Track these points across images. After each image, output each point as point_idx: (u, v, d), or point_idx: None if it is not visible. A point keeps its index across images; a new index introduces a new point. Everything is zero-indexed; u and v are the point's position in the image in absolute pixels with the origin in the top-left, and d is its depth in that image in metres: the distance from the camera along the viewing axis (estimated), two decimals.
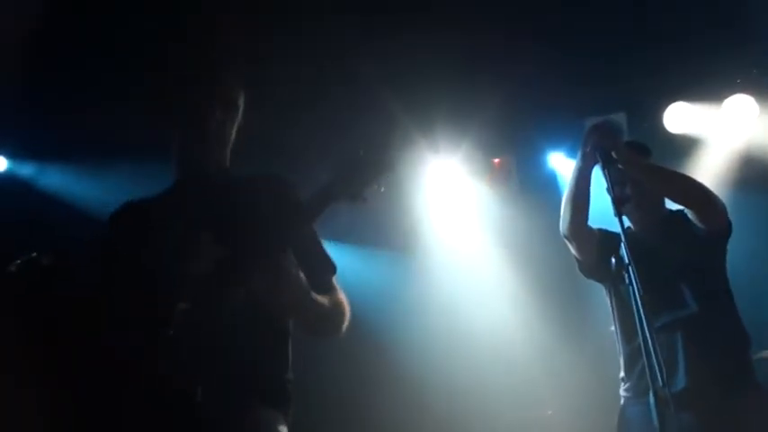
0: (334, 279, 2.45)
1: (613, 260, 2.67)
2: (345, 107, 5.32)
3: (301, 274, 2.23)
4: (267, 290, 2.15)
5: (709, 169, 5.46)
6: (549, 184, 5.85)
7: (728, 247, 3.28)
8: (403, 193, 5.96)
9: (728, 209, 3.25)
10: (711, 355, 3.06)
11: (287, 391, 2.36)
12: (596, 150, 3.01)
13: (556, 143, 5.91)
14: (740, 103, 5.41)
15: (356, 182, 2.23)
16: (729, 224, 3.21)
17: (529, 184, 5.98)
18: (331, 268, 2.45)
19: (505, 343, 5.46)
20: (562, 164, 5.78)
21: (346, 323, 2.42)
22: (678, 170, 4.92)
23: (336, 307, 2.39)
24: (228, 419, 2.17)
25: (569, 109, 5.66)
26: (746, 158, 5.42)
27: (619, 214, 2.69)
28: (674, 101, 5.57)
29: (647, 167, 3.24)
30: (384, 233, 5.81)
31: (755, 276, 4.32)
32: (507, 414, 5.31)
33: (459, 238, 6.00)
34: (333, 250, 2.47)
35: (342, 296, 2.44)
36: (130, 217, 2.46)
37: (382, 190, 2.29)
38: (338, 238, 5.90)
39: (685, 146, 5.62)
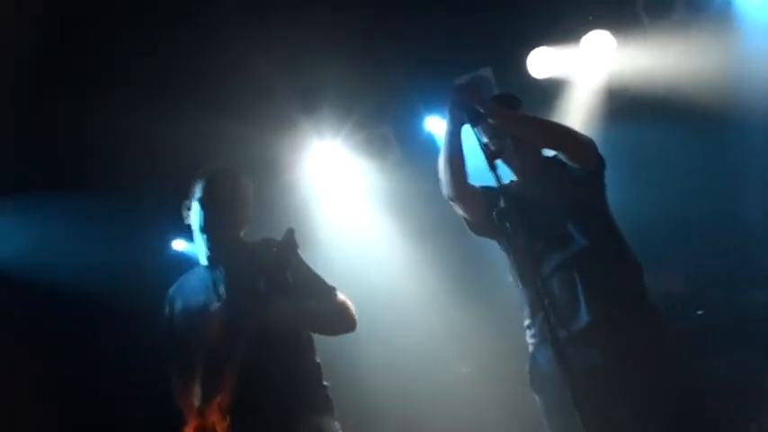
0: (336, 294, 3.30)
1: (494, 213, 2.69)
2: (226, 90, 5.20)
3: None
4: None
5: (578, 108, 5.60)
6: (429, 148, 5.86)
7: (607, 180, 3.36)
8: (289, 179, 5.90)
9: (601, 143, 3.33)
10: (607, 286, 3.13)
11: (326, 395, 3.22)
12: (461, 109, 3.02)
13: (430, 107, 5.91)
14: (597, 40, 5.53)
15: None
16: (601, 159, 3.29)
17: (410, 151, 5.98)
18: (329, 286, 3.32)
19: (411, 311, 5.49)
20: (439, 126, 5.80)
21: (352, 317, 3.30)
22: (547, 115, 5.12)
23: (340, 308, 3.28)
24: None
25: (438, 71, 5.68)
26: (611, 92, 5.55)
27: (492, 168, 2.70)
28: (535, 47, 5.65)
29: (511, 119, 3.27)
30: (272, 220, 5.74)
31: (635, 203, 4.45)
32: (423, 377, 5.35)
33: (349, 215, 5.96)
34: None
35: (343, 299, 3.31)
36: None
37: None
38: None
39: (553, 89, 5.73)
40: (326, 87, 5.37)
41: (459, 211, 3.32)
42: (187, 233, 5.72)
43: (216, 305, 3.20)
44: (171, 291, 3.41)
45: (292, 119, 5.55)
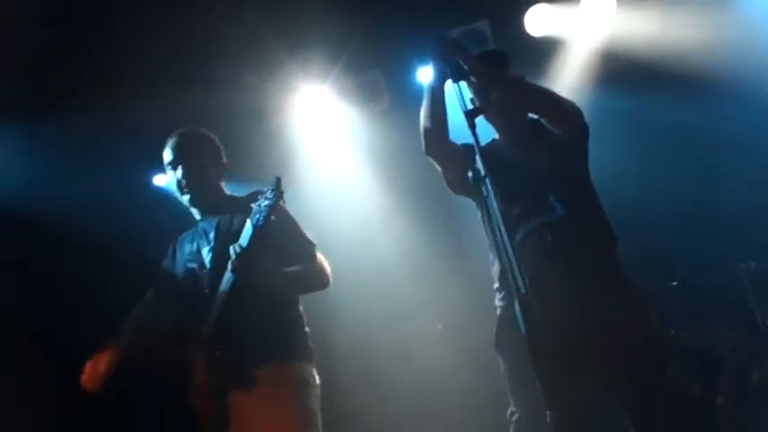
0: (315, 251, 3.39)
1: (470, 174, 2.64)
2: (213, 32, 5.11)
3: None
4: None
5: (573, 69, 5.52)
6: (419, 99, 5.77)
7: (593, 146, 3.31)
8: (275, 123, 5.83)
9: (591, 107, 3.28)
10: (581, 254, 3.11)
11: (304, 344, 3.35)
12: (444, 63, 2.95)
13: (423, 57, 5.80)
14: (597, 0, 5.43)
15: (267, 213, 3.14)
16: (585, 127, 3.23)
17: (399, 100, 5.90)
18: (309, 246, 3.39)
19: (385, 263, 5.48)
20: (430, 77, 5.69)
21: (327, 279, 3.41)
22: (541, 74, 5.04)
23: (316, 272, 3.38)
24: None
25: (434, 21, 5.56)
26: (607, 55, 5.46)
27: (471, 126, 2.65)
28: (534, 3, 5.54)
29: (493, 79, 3.20)
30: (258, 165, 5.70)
31: (620, 172, 4.42)
32: (396, 332, 5.37)
33: (334, 163, 5.91)
34: None
35: (321, 260, 3.40)
36: None
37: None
38: None
39: (549, 48, 5.63)
40: (315, 30, 5.26)
41: (438, 166, 3.28)
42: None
43: (206, 249, 3.42)
44: (180, 236, 3.61)
45: (280, 61, 5.45)
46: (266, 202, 3.13)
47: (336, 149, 6.00)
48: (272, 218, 3.12)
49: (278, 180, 3.16)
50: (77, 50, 4.86)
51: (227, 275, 3.20)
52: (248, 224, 3.15)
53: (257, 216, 3.13)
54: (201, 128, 3.62)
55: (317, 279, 3.39)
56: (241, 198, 3.45)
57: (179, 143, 3.52)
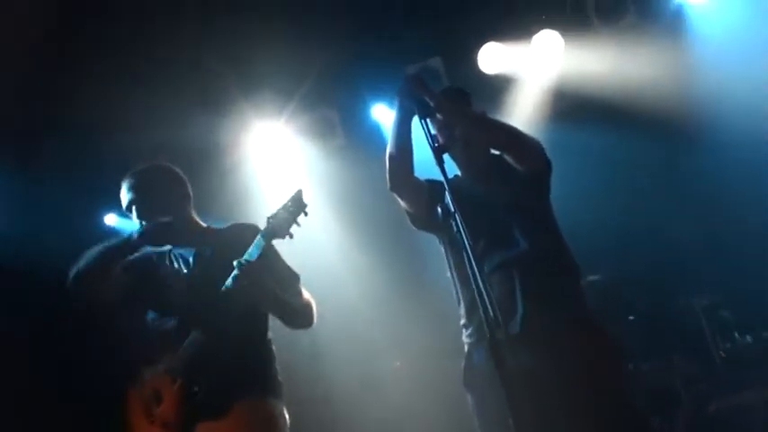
0: (301, 285, 3.36)
1: (439, 209, 2.62)
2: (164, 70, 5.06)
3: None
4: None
5: (526, 106, 5.59)
6: (374, 135, 5.78)
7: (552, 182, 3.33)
8: (229, 161, 5.78)
9: (545, 143, 3.30)
10: (546, 289, 3.11)
11: (275, 379, 3.25)
12: (410, 100, 2.95)
13: (378, 94, 5.84)
14: (547, 39, 5.53)
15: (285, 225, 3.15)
16: (547, 162, 3.24)
17: (354, 137, 5.90)
18: (296, 278, 3.36)
19: (345, 302, 5.42)
20: (385, 115, 5.72)
21: (315, 317, 3.39)
22: (495, 111, 5.09)
23: (306, 305, 3.36)
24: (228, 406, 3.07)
25: (388, 58, 5.60)
26: (559, 92, 5.55)
27: (440, 162, 2.63)
28: (486, 41, 5.62)
29: (458, 115, 3.19)
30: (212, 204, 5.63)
31: (578, 204, 4.46)
32: (354, 370, 5.31)
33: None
34: None
35: (308, 297, 3.39)
36: None
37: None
38: None
39: (502, 85, 5.71)
40: (269, 68, 5.25)
41: (402, 202, 3.25)
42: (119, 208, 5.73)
43: (184, 272, 3.29)
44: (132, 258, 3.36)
45: (233, 99, 5.42)
46: (286, 215, 3.07)
47: (291, 186, 5.94)
48: (291, 232, 3.10)
49: (300, 192, 3.14)
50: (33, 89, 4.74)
51: (228, 283, 3.06)
52: (259, 237, 3.08)
53: (273, 228, 3.06)
54: (160, 161, 3.51)
55: (308, 314, 3.36)
56: (221, 229, 3.37)
57: (134, 181, 3.37)
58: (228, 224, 3.43)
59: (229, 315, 3.08)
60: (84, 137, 5.03)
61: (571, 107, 5.49)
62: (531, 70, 5.67)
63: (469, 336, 3.20)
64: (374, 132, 5.79)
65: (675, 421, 4.42)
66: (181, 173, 3.48)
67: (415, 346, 5.34)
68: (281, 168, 5.95)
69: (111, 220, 5.98)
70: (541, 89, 5.63)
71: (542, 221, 3.25)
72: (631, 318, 4.97)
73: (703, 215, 5.06)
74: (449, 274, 3.32)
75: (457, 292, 3.25)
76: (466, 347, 3.23)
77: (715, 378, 4.57)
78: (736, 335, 4.64)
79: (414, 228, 3.35)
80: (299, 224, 3.18)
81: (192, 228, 3.38)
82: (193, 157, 5.32)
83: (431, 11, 5.44)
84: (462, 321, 3.24)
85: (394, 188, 3.17)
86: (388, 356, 5.59)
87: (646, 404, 4.52)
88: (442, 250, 3.31)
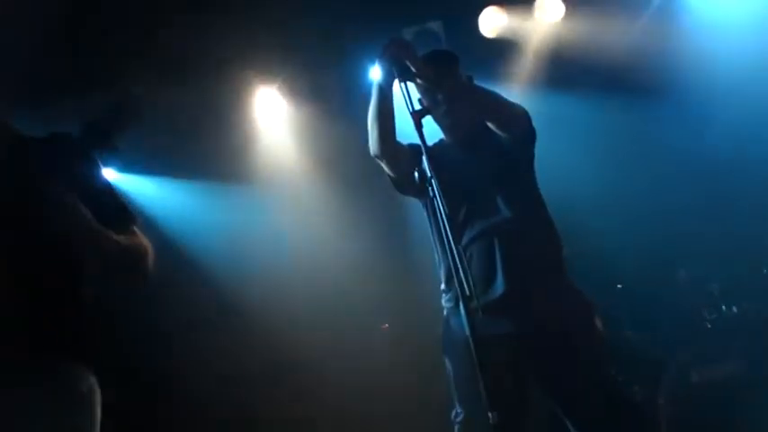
0: (135, 227, 2.41)
1: (416, 174, 2.63)
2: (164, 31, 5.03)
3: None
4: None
5: (522, 71, 5.56)
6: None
7: (538, 149, 3.32)
8: (228, 123, 5.78)
9: (538, 109, 3.29)
10: (526, 259, 3.13)
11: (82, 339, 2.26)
12: (392, 65, 2.94)
13: (376, 56, 5.78)
14: (548, 4, 5.49)
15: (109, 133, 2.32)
16: (532, 131, 3.24)
17: (351, 100, 5.87)
18: (131, 217, 2.43)
19: (333, 263, 5.47)
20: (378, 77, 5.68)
21: (149, 264, 2.37)
22: (492, 75, 5.06)
23: (135, 247, 2.33)
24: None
25: (387, 21, 5.56)
26: (555, 59, 5.52)
27: (418, 126, 2.63)
28: (488, 5, 5.58)
29: (439, 83, 3.15)
30: (211, 165, 5.68)
31: (565, 175, 4.46)
32: (344, 333, 5.36)
33: (286, 164, 5.88)
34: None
35: (142, 239, 2.39)
36: None
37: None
38: (169, 174, 5.72)
39: (501, 49, 5.67)
40: (268, 28, 5.21)
41: (385, 167, 3.26)
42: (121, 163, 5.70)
43: None
44: None
45: (232, 61, 5.40)
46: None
47: (287, 149, 5.96)
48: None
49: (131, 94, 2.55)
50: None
51: None
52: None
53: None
54: None
55: (141, 262, 2.34)
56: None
57: None
58: None
59: None
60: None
61: (568, 75, 5.45)
62: (531, 36, 5.62)
63: (448, 300, 3.24)
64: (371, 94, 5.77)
65: (658, 390, 4.46)
66: None
67: (400, 309, 5.39)
68: (277, 130, 5.95)
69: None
70: (538, 55, 5.59)
71: (525, 190, 3.26)
72: (619, 286, 4.99)
73: (694, 187, 5.04)
74: (431, 240, 3.35)
75: (438, 257, 3.27)
76: (444, 312, 3.27)
77: (699, 348, 4.60)
78: (723, 307, 4.65)
79: (398, 192, 3.37)
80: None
81: None
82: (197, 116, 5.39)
83: None
84: (442, 286, 3.28)
85: (376, 153, 3.17)
86: (378, 320, 5.65)
87: (628, 371, 4.56)
88: (425, 215, 3.32)
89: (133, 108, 2.37)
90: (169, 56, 5.03)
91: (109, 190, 2.43)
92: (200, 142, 5.53)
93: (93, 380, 2.23)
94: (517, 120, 3.18)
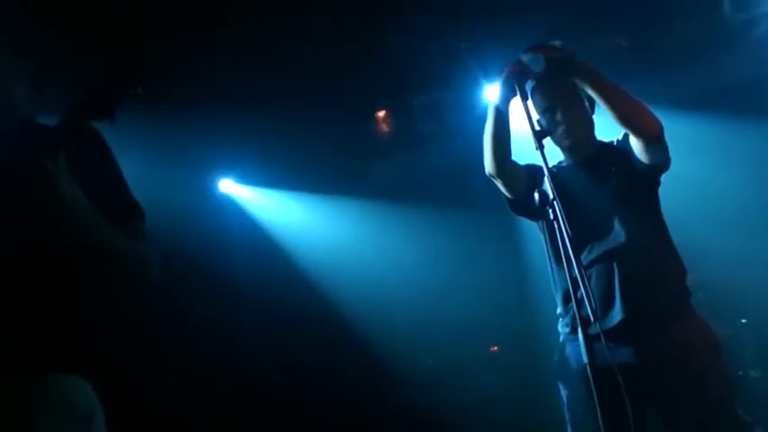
0: (143, 226, 2.16)
1: (536, 195, 2.56)
2: None
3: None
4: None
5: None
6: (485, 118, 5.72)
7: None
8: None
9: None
10: (647, 285, 3.01)
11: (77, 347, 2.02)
12: (514, 84, 2.89)
13: (490, 76, 5.75)
14: None
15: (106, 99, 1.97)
16: (670, 159, 3.10)
17: (466, 119, 5.85)
18: (137, 211, 2.17)
19: (448, 285, 5.43)
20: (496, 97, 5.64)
21: (151, 270, 2.09)
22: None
23: (137, 245, 2.07)
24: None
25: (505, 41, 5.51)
26: None
27: (540, 147, 2.58)
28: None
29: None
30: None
31: (695, 198, 4.29)
32: (454, 353, 5.31)
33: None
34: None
35: (146, 238, 2.14)
36: None
37: (140, 91, 2.01)
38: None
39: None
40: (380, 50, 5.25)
41: (501, 188, 3.20)
42: (239, 173, 5.84)
43: None
44: None
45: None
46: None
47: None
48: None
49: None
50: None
51: None
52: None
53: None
54: None
55: (143, 263, 2.08)
56: None
57: None
58: None
59: None
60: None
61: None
62: None
63: (565, 325, 3.15)
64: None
65: None
66: None
67: (516, 335, 5.30)
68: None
69: (226, 187, 6.17)
70: None
71: (648, 215, 3.13)
72: (743, 321, 4.74)
73: None
74: (547, 262, 3.26)
75: (554, 281, 3.19)
76: (561, 337, 3.18)
77: None
78: None
79: (513, 213, 3.30)
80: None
81: None
82: None
83: None
84: (558, 310, 3.19)
85: (492, 173, 3.13)
86: (487, 342, 5.57)
87: (752, 412, 4.31)
88: (541, 237, 3.24)
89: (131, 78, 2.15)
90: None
91: (116, 177, 2.18)
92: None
93: (92, 396, 2.02)
94: (664, 147, 3.04)
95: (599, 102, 3.05)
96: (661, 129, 3.03)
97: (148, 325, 5.21)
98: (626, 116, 3.00)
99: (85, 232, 1.92)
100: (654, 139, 3.01)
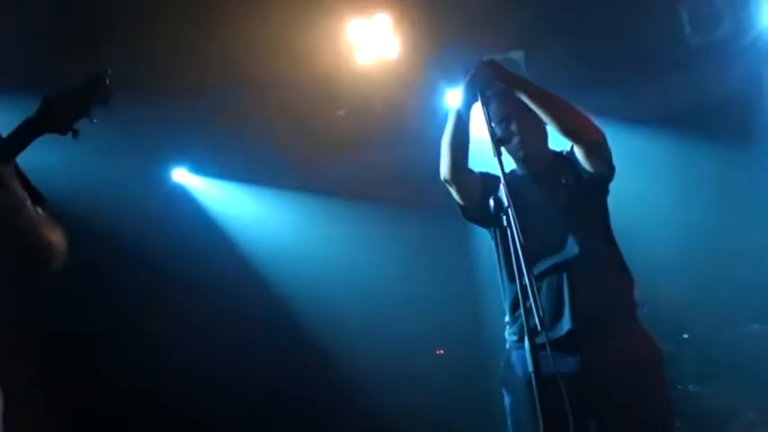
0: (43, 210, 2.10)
1: (492, 202, 2.57)
2: None
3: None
4: None
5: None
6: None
7: (615, 186, 3.23)
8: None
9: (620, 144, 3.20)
10: (595, 296, 3.04)
11: None
12: (475, 87, 2.90)
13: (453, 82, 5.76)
14: None
15: (67, 114, 2.13)
16: (614, 168, 3.15)
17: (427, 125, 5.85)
18: (42, 197, 2.14)
19: (399, 286, 5.44)
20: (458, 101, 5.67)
21: (57, 254, 2.02)
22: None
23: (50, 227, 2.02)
24: None
25: (468, 46, 5.52)
26: None
27: (498, 154, 2.59)
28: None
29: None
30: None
31: (644, 213, 4.35)
32: (402, 354, 5.32)
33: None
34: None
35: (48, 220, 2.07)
36: None
37: (95, 122, 2.18)
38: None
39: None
40: None
41: (454, 194, 3.20)
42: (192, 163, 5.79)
43: None
44: None
45: None
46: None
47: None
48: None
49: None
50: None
51: None
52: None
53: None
54: None
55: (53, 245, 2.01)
56: None
57: None
58: None
59: None
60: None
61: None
62: None
63: (512, 334, 3.16)
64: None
65: None
66: None
67: (463, 340, 5.32)
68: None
69: (180, 176, 6.10)
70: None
71: (597, 226, 3.16)
72: (686, 336, 4.83)
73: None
74: (497, 270, 3.27)
75: (503, 290, 3.20)
76: (507, 344, 3.19)
77: (765, 408, 4.41)
78: None
79: (465, 219, 3.31)
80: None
81: None
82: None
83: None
84: (506, 318, 3.20)
85: (447, 178, 3.12)
86: (436, 344, 5.59)
87: (691, 426, 4.40)
88: (493, 245, 3.25)
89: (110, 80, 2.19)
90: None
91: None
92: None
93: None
94: (606, 155, 3.08)
95: (539, 113, 3.06)
96: (602, 136, 3.06)
97: (91, 311, 5.14)
98: (566, 125, 3.03)
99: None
100: (595, 147, 3.04)
